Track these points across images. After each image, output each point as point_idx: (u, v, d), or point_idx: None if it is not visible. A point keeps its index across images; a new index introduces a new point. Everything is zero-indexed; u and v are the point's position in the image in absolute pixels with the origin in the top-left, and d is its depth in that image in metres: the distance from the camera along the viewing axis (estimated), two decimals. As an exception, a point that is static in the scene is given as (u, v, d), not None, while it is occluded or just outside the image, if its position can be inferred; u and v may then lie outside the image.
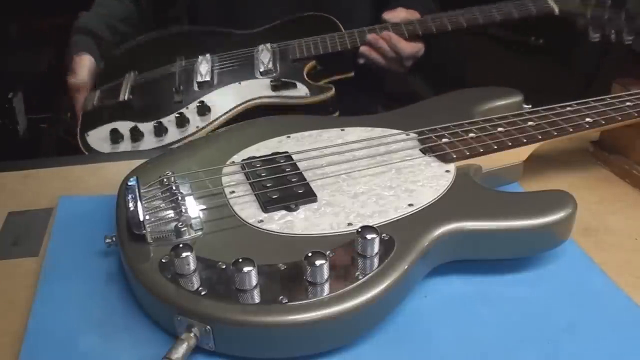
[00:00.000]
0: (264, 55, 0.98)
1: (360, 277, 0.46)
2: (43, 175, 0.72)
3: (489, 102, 0.72)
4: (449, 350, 0.47)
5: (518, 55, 1.80)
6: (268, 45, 1.00)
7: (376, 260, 0.47)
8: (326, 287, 0.45)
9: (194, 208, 0.53)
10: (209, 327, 0.44)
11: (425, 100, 0.76)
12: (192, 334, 0.44)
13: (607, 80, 0.76)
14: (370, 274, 0.47)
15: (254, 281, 0.45)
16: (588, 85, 1.56)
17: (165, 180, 0.56)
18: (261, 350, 0.46)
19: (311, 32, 1.01)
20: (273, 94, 0.94)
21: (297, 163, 0.60)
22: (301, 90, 0.94)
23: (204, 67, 0.98)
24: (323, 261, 0.45)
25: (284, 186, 0.56)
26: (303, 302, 0.44)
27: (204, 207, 0.54)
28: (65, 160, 0.76)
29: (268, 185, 0.56)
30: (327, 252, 0.47)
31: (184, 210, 0.52)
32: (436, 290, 0.53)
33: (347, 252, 0.48)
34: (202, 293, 0.45)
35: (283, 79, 0.94)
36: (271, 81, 0.94)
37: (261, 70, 0.96)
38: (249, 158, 0.61)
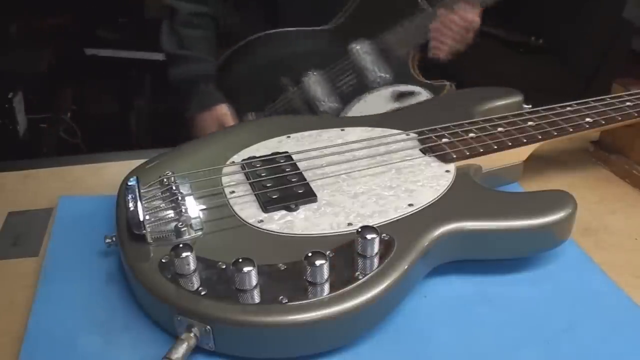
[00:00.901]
0: (367, 60, 0.95)
1: (360, 277, 0.46)
2: (43, 175, 0.72)
3: (489, 102, 0.72)
4: (448, 350, 0.47)
5: (518, 55, 1.80)
6: (364, 46, 0.96)
7: (376, 260, 0.47)
8: (326, 287, 0.45)
9: (194, 208, 0.53)
10: (209, 327, 0.44)
11: (425, 100, 0.76)
12: (192, 334, 0.44)
13: (607, 80, 0.76)
14: (370, 274, 0.47)
15: (254, 281, 0.45)
16: (588, 85, 1.57)
17: (165, 180, 0.56)
18: (261, 350, 0.46)
19: (388, 7, 0.98)
20: (399, 106, 0.94)
21: (297, 163, 0.60)
22: (422, 94, 0.93)
23: (317, 91, 0.95)
24: (323, 261, 0.45)
25: (284, 186, 0.56)
26: (303, 302, 0.44)
27: (204, 207, 0.54)
28: (65, 160, 0.76)
29: (268, 185, 0.56)
30: (327, 252, 0.47)
31: (184, 210, 0.52)
32: (436, 290, 0.53)
33: (347, 252, 0.48)
34: (202, 293, 0.45)
35: (401, 90, 0.94)
36: (393, 95, 0.93)
37: (375, 80, 0.95)
38: (249, 158, 0.61)
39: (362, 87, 0.95)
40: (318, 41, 0.99)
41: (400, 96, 0.93)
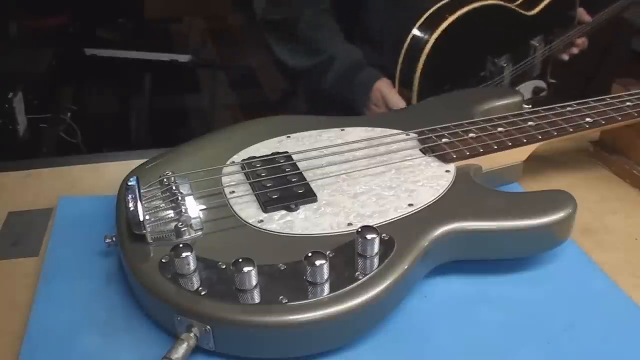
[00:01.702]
0: (538, 59, 0.99)
1: (360, 277, 0.46)
2: (43, 175, 0.72)
3: (489, 102, 0.72)
4: (448, 350, 0.47)
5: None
6: (543, 45, 0.99)
7: (376, 260, 0.47)
8: (326, 287, 0.45)
9: (194, 208, 0.53)
10: (209, 327, 0.44)
11: (425, 100, 0.76)
12: (192, 334, 0.44)
13: (607, 80, 0.77)
14: (370, 274, 0.47)
15: (254, 281, 0.45)
16: (588, 85, 1.57)
17: (165, 180, 0.56)
18: (261, 350, 0.46)
19: (565, 13, 1.02)
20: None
21: (297, 163, 0.60)
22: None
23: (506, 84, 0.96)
24: (323, 261, 0.45)
25: (284, 186, 0.56)
26: (303, 302, 0.44)
27: (204, 207, 0.54)
28: (65, 160, 0.76)
29: (268, 185, 0.56)
30: (327, 252, 0.47)
31: (184, 210, 0.52)
32: (436, 290, 0.53)
33: (347, 252, 0.48)
34: (202, 293, 0.45)
35: (540, 86, 0.99)
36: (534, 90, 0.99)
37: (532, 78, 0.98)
38: (248, 158, 0.61)
39: (521, 79, 0.99)
40: (514, 24, 0.98)
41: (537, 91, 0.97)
